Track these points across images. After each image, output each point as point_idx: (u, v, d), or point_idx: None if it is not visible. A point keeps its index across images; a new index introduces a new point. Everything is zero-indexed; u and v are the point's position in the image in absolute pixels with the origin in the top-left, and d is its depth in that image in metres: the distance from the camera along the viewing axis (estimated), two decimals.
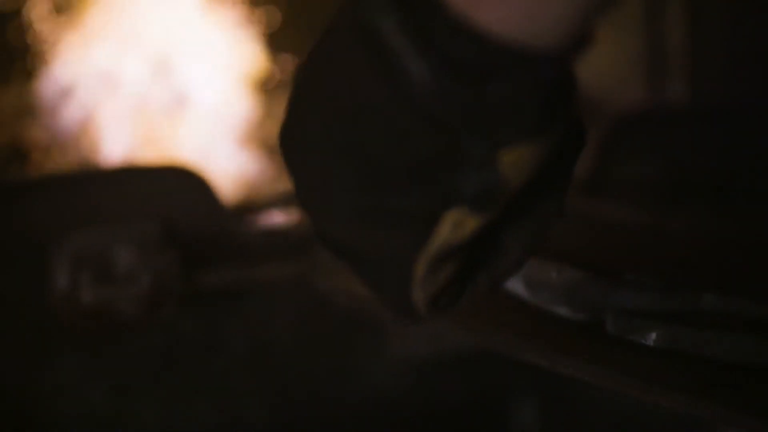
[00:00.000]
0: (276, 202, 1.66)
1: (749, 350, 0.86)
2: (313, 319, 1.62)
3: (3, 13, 2.75)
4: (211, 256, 1.53)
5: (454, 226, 0.56)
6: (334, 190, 0.57)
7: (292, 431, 1.65)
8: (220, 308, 1.57)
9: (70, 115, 2.74)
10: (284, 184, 2.53)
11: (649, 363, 0.92)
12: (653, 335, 0.93)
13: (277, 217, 1.85)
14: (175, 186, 1.54)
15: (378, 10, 0.52)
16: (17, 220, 1.45)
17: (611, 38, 2.44)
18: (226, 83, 2.68)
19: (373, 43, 0.52)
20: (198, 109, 2.59)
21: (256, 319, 1.60)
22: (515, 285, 1.17)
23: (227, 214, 1.56)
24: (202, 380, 1.58)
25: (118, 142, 2.61)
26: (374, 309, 1.49)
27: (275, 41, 2.73)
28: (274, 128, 2.84)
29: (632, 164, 1.94)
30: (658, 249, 1.47)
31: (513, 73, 0.51)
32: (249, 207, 1.73)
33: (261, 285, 1.57)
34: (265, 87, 2.96)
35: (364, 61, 0.53)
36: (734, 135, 1.99)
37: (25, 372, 1.46)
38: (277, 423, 1.63)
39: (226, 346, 1.58)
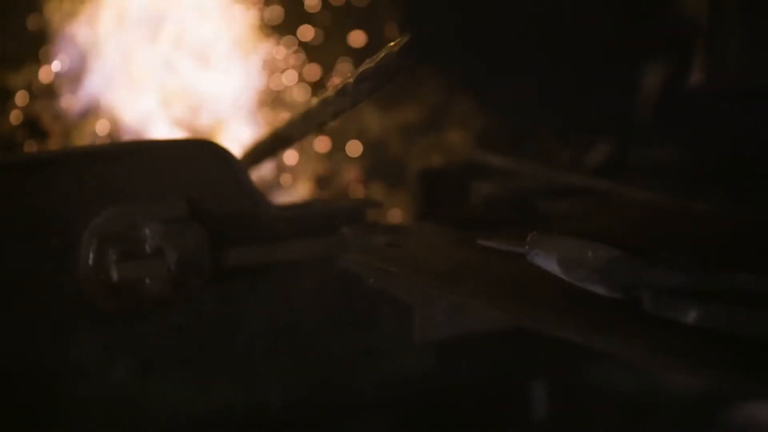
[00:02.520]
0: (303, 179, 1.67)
1: None
2: (337, 299, 1.62)
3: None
4: (235, 233, 1.53)
5: None
6: None
7: (313, 411, 1.65)
8: (243, 286, 1.57)
9: (85, 92, 2.75)
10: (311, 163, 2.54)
11: (686, 341, 0.92)
12: (692, 313, 0.93)
13: (303, 195, 1.86)
14: (200, 161, 1.53)
15: None
16: (42, 195, 1.45)
17: None
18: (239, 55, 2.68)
19: None
20: (214, 83, 2.60)
21: (279, 298, 1.60)
22: (549, 263, 1.18)
23: (252, 190, 1.55)
24: (223, 359, 1.58)
25: (137, 118, 2.62)
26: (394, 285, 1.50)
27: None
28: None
29: (654, 148, 1.94)
30: (687, 230, 1.47)
31: None
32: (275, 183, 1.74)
33: (285, 263, 1.57)
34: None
35: None
36: (754, 118, 1.98)
37: (49, 348, 1.46)
38: (298, 402, 1.63)
39: (248, 325, 1.58)
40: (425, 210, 1.87)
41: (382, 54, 1.38)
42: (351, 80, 1.42)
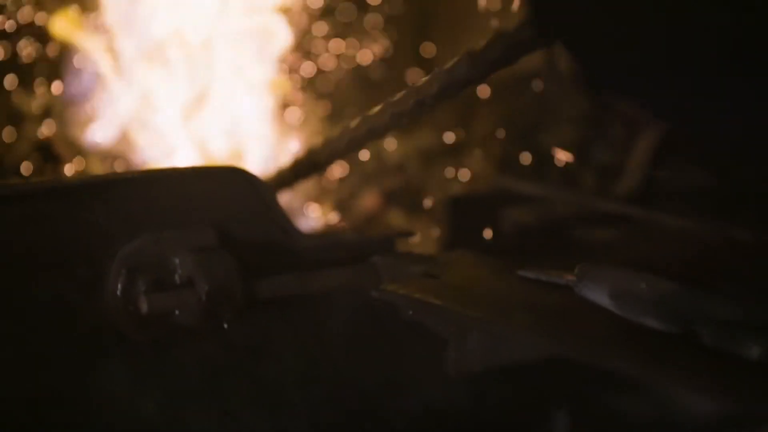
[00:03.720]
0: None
1: None
2: (367, 329, 1.58)
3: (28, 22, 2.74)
4: (265, 262, 1.50)
5: None
6: None
7: None
8: (273, 315, 1.53)
9: (100, 116, 2.72)
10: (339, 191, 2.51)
11: (754, 376, 0.89)
12: (756, 349, 0.90)
13: (334, 223, 1.83)
14: (230, 188, 1.50)
15: None
16: (69, 223, 1.41)
17: None
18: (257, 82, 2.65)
19: None
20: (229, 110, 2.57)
21: (309, 328, 1.56)
22: (599, 296, 1.14)
23: (282, 218, 1.52)
24: (253, 390, 1.54)
25: (154, 143, 2.59)
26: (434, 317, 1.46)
27: None
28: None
29: (683, 174, 1.91)
30: (732, 259, 1.44)
31: None
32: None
33: (315, 293, 1.53)
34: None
35: None
36: None
37: (76, 379, 1.42)
38: None
39: (278, 355, 1.55)
40: (454, 237, 1.84)
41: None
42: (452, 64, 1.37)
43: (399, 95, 1.52)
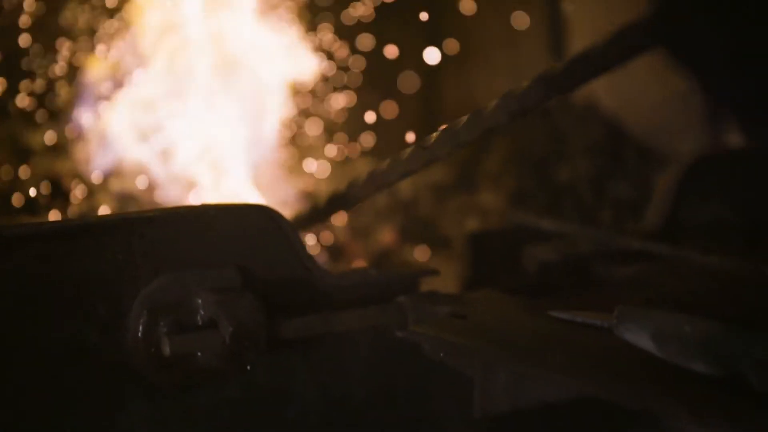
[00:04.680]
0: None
1: None
2: (391, 370, 1.55)
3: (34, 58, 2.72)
4: (289, 302, 1.47)
5: None
6: None
7: None
8: (296, 356, 1.50)
9: (107, 152, 2.69)
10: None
11: None
12: None
13: (359, 263, 1.80)
14: (253, 226, 1.47)
15: None
16: (90, 262, 1.38)
17: (662, 79, 2.39)
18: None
19: None
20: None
21: (333, 368, 1.53)
22: (641, 338, 1.11)
23: (306, 257, 1.49)
24: (275, 431, 1.51)
25: (165, 181, 2.56)
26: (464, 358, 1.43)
27: None
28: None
29: (704, 208, 1.88)
30: (766, 296, 1.41)
31: None
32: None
33: (339, 333, 1.50)
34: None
35: None
36: None
37: (97, 422, 1.39)
38: None
39: (301, 396, 1.51)
40: (474, 274, 1.81)
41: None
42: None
43: (434, 136, 1.49)
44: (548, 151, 2.85)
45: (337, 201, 1.62)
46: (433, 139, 1.49)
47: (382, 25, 2.97)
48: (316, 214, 1.65)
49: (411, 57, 3.06)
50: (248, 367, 1.42)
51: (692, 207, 1.86)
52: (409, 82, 3.25)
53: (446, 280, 2.01)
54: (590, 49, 1.37)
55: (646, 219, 1.86)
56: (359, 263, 2.24)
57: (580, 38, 3.14)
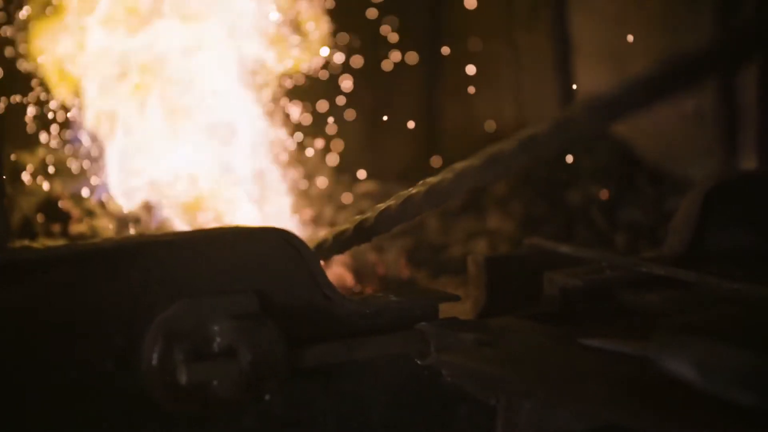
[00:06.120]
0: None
1: None
2: (410, 398, 1.51)
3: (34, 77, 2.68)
4: (308, 330, 1.42)
5: None
6: None
7: None
8: (315, 385, 1.45)
9: (106, 171, 2.65)
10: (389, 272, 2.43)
11: None
12: None
13: (379, 290, 1.75)
14: (271, 250, 1.42)
15: None
16: (104, 288, 1.34)
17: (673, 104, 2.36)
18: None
19: None
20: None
21: (351, 397, 1.48)
22: (683, 367, 1.06)
23: (325, 283, 1.44)
24: None
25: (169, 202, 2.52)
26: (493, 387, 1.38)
27: None
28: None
29: (727, 234, 1.84)
30: None
31: None
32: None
33: (359, 361, 1.45)
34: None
35: None
36: None
37: None
38: None
39: (319, 426, 1.47)
40: (491, 300, 1.75)
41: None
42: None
43: (478, 160, 1.44)
44: (557, 175, 2.82)
45: (366, 229, 1.57)
46: (473, 164, 1.44)
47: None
48: (343, 241, 1.59)
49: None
50: (266, 397, 1.37)
51: (715, 232, 1.82)
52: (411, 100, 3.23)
53: (458, 305, 1.96)
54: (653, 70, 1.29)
55: (667, 244, 1.82)
56: (370, 289, 2.19)
57: (586, 58, 3.11)
